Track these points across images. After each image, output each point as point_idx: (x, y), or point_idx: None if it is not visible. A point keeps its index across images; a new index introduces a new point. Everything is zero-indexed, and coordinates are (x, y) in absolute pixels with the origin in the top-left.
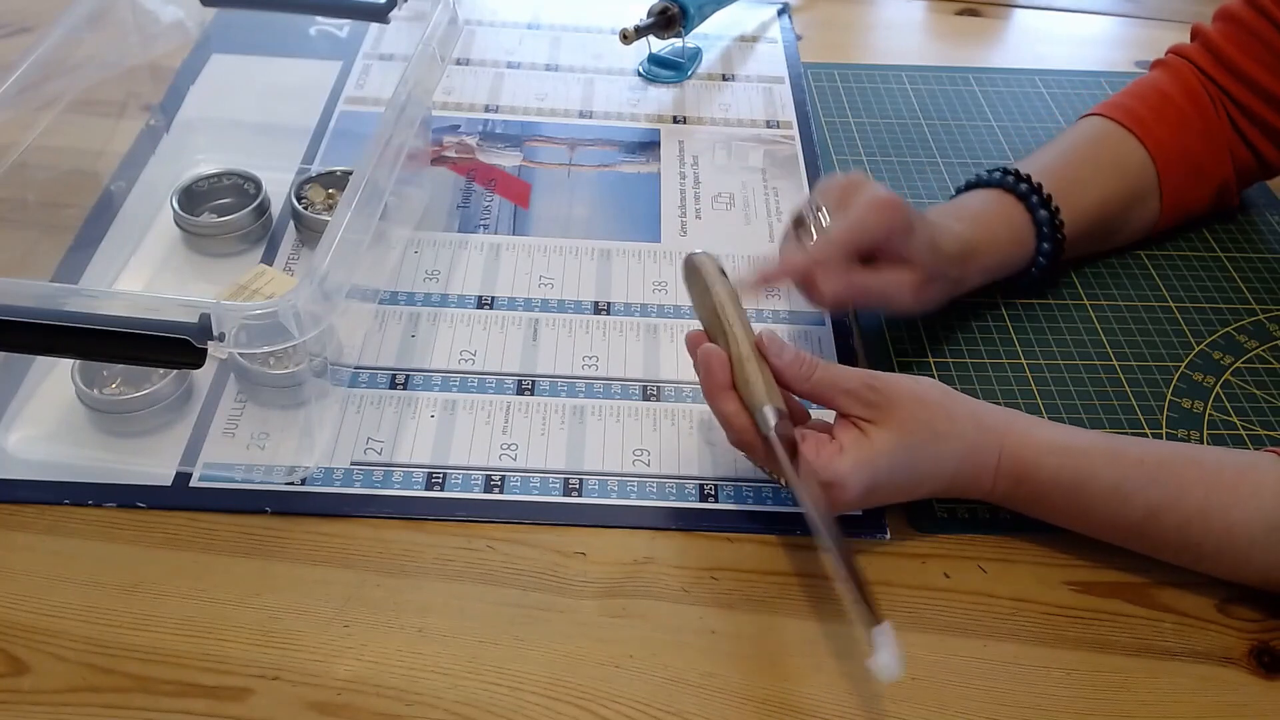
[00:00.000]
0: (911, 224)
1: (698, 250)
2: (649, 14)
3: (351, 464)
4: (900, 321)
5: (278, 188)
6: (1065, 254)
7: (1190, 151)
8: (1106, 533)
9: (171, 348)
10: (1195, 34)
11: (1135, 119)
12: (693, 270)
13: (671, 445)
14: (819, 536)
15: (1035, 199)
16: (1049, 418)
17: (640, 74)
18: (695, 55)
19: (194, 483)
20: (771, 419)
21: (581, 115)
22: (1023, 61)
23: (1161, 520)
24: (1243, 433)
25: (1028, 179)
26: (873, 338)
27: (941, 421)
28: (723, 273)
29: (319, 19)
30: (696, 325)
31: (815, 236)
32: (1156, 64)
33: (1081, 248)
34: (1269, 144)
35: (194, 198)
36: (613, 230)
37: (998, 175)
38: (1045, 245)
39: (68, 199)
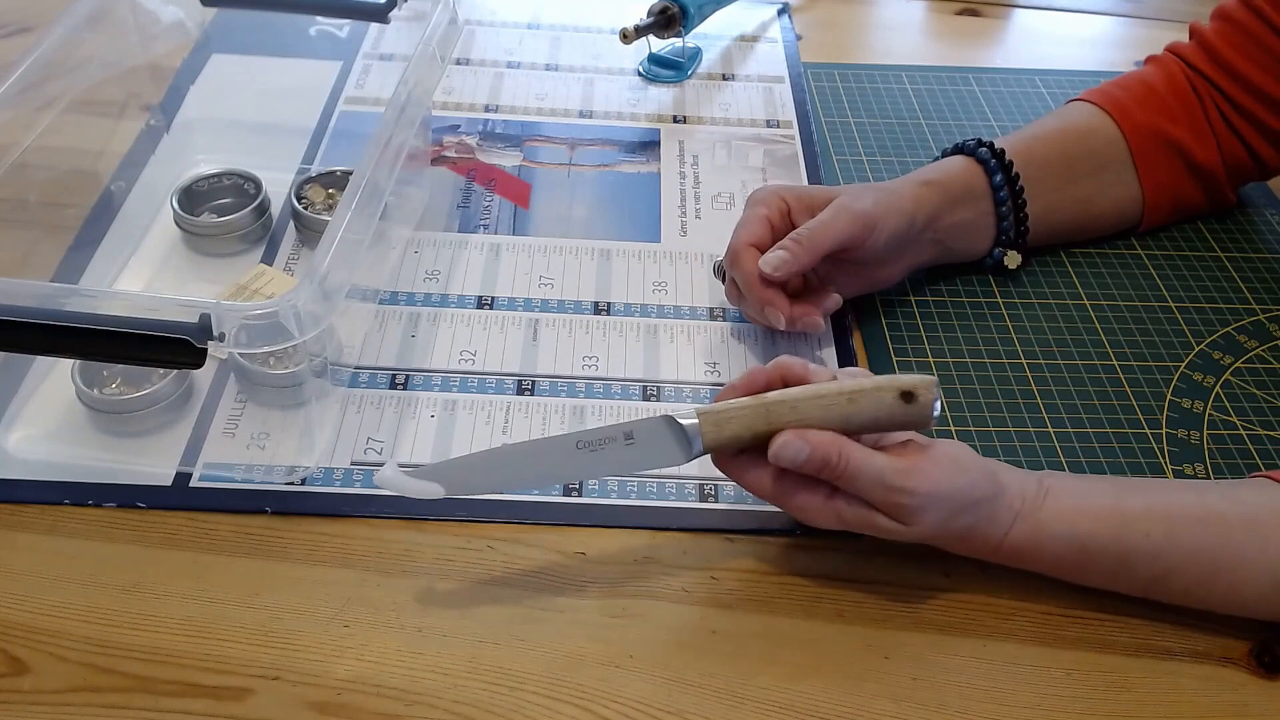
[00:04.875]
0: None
1: None
2: (649, 14)
3: (351, 464)
4: (900, 321)
5: (278, 188)
6: (1036, 209)
7: (1169, 135)
8: (1113, 590)
9: (171, 348)
10: (1193, 33)
11: (1110, 100)
12: None
13: None
14: None
15: (972, 142)
16: (1049, 418)
17: (640, 74)
18: (695, 55)
19: (194, 483)
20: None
21: (581, 115)
22: (1023, 61)
23: (1169, 585)
24: (1243, 432)
25: (987, 144)
26: (873, 337)
27: (966, 459)
28: None
29: (319, 19)
30: (694, 326)
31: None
32: (1149, 59)
33: (1056, 206)
34: (1264, 142)
35: (194, 198)
36: (613, 230)
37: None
38: (998, 178)
39: (68, 199)
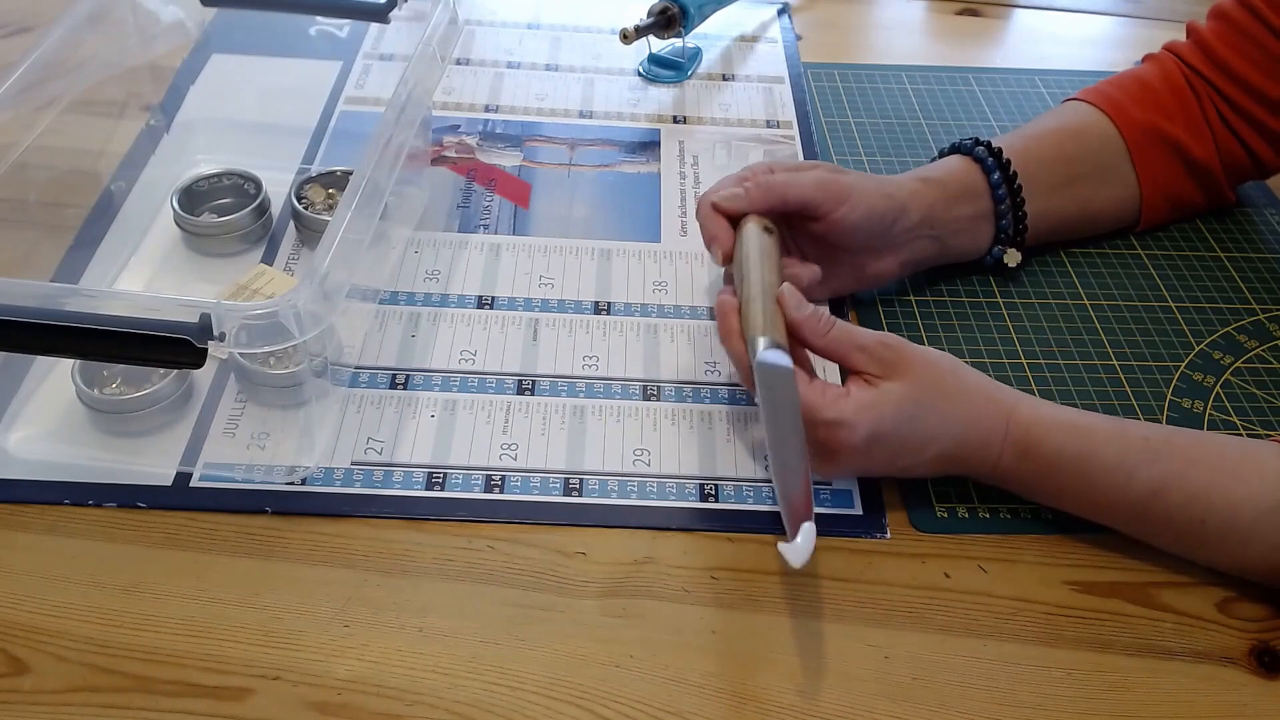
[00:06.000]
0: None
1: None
2: (649, 14)
3: (351, 464)
4: (900, 321)
5: (278, 188)
6: (1034, 207)
7: (1166, 132)
8: (1110, 512)
9: (172, 348)
10: (1190, 32)
11: (1106, 99)
12: (738, 229)
13: (671, 445)
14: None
15: (969, 142)
16: None
17: (640, 74)
18: (695, 55)
19: (194, 483)
20: (760, 346)
21: (581, 115)
22: (1023, 61)
23: (1166, 497)
24: (1243, 433)
25: (984, 143)
26: None
27: (951, 383)
28: (768, 230)
29: (319, 19)
30: (694, 326)
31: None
32: (1147, 58)
33: (1054, 205)
34: (1261, 141)
35: (194, 198)
36: (613, 230)
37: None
38: (995, 177)
39: (68, 199)
